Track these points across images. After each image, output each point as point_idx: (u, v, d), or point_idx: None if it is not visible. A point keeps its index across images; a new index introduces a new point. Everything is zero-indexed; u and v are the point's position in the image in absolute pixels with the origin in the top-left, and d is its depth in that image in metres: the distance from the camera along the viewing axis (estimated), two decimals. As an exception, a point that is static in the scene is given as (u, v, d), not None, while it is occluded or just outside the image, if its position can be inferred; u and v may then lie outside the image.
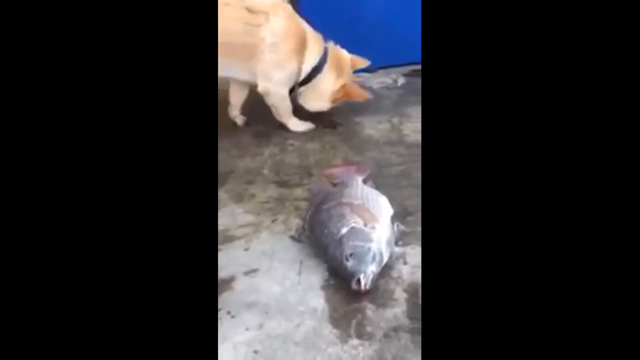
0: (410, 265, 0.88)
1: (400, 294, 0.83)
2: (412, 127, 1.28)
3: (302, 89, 1.29)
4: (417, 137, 1.25)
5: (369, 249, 0.83)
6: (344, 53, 1.31)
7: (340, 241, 0.85)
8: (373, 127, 1.28)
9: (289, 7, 1.25)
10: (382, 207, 0.94)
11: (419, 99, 1.35)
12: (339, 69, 1.28)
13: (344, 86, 1.28)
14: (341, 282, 0.82)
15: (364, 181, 1.03)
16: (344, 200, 0.94)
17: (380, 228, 0.88)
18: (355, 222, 0.88)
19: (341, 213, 0.90)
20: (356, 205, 0.93)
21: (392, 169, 1.13)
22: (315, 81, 1.27)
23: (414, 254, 0.90)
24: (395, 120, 1.30)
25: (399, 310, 0.80)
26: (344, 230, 0.86)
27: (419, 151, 1.19)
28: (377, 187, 1.02)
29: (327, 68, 1.27)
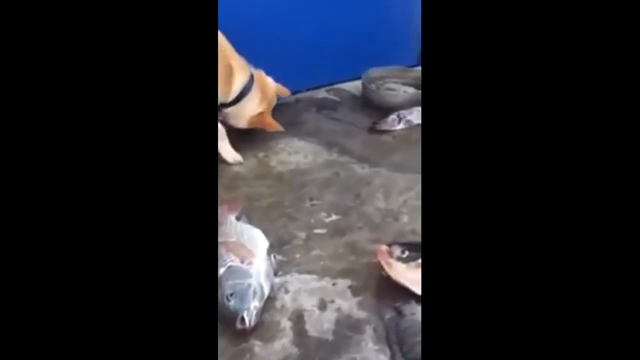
0: (292, 293, 0.90)
1: (285, 323, 0.84)
2: (278, 159, 1.32)
3: (229, 110, 1.29)
4: (283, 168, 1.28)
5: (249, 285, 0.83)
6: (268, 79, 1.35)
7: (219, 282, 0.84)
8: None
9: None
10: (257, 240, 0.94)
11: (280, 132, 1.40)
12: (263, 92, 1.31)
13: (262, 114, 1.31)
14: (224, 325, 0.81)
15: (237, 218, 1.03)
16: (219, 240, 0.93)
17: (257, 262, 0.88)
18: (232, 261, 0.87)
19: (217, 254, 0.89)
20: (231, 243, 0.92)
21: (263, 201, 1.15)
22: (243, 103, 1.29)
23: (294, 281, 0.92)
24: (261, 154, 1.33)
25: (286, 340, 0.81)
26: (221, 271, 0.85)
27: (287, 181, 1.24)
28: (250, 221, 1.03)
29: (253, 92, 1.29)
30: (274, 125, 1.34)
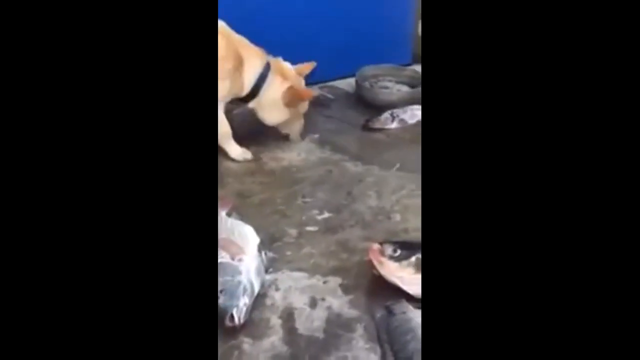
0: (282, 290, 0.89)
1: (275, 321, 0.83)
2: (271, 156, 1.31)
3: (251, 103, 1.26)
4: (275, 164, 1.27)
5: (239, 282, 0.82)
6: (286, 64, 1.31)
7: (208, 279, 0.83)
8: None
9: (222, 27, 1.19)
10: (248, 237, 0.93)
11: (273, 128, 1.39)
12: (283, 76, 1.27)
13: (290, 88, 1.27)
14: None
15: (228, 214, 1.02)
16: (208, 236, 0.92)
17: (248, 259, 0.87)
18: (222, 257, 0.86)
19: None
20: (221, 239, 0.91)
21: (255, 197, 1.14)
22: (263, 92, 1.25)
23: (285, 278, 0.91)
24: (253, 149, 1.31)
25: (275, 338, 0.80)
26: (211, 267, 0.84)
27: (279, 178, 1.23)
28: (242, 217, 1.02)
29: (270, 78, 1.25)
30: (308, 92, 1.31)
